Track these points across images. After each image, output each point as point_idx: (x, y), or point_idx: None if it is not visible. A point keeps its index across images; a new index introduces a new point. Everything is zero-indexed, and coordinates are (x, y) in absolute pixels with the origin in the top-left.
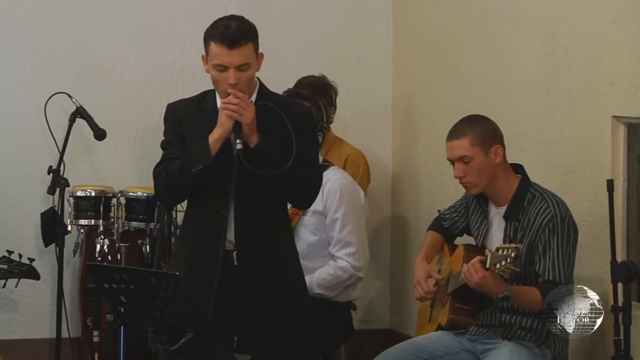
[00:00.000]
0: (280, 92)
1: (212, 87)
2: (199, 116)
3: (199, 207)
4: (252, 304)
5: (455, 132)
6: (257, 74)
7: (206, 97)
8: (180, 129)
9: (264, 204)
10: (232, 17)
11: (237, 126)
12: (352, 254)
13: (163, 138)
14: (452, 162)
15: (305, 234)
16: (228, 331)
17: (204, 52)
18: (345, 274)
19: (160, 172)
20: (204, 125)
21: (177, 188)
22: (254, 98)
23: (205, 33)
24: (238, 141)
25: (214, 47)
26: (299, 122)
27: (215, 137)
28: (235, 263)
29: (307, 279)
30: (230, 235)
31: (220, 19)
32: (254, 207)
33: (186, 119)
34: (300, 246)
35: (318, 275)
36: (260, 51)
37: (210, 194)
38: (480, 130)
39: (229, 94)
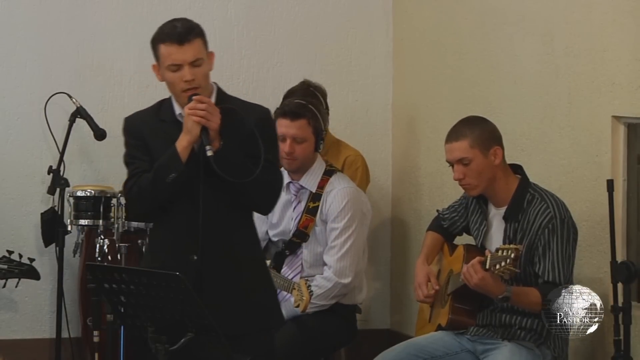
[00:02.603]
0: (280, 93)
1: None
2: (160, 126)
3: (166, 217)
4: (216, 310)
5: (454, 134)
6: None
7: (162, 107)
8: (143, 141)
9: (227, 209)
10: (176, 19)
11: (204, 131)
12: (338, 260)
13: (125, 152)
14: (452, 164)
15: (314, 244)
16: None
17: (154, 62)
18: (329, 283)
19: (131, 187)
20: (166, 135)
21: (152, 200)
22: (213, 101)
23: (151, 40)
24: (208, 147)
25: (163, 48)
26: (258, 125)
27: (183, 144)
28: (200, 270)
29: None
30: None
31: (163, 24)
32: (218, 212)
33: (147, 130)
34: (309, 255)
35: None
36: (210, 50)
37: (177, 203)
38: (479, 132)
39: (189, 97)
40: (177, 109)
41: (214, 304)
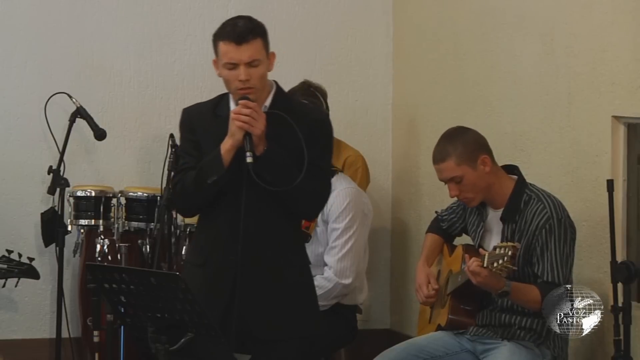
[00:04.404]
0: None
1: (224, 91)
2: (214, 121)
3: (211, 215)
4: (252, 314)
5: (438, 155)
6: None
7: (221, 101)
8: (195, 136)
9: (273, 214)
10: (240, 17)
11: (247, 137)
12: (339, 260)
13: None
14: (444, 182)
15: (315, 244)
16: (235, 338)
17: (214, 57)
18: (329, 284)
19: (177, 182)
20: (218, 131)
21: (193, 199)
22: (269, 102)
23: (214, 35)
24: (248, 154)
25: (222, 46)
26: (313, 130)
27: (226, 147)
28: (238, 271)
29: None
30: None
31: (227, 20)
32: (263, 216)
33: (200, 125)
34: (310, 255)
35: None
36: (271, 50)
37: (222, 203)
38: (462, 147)
39: (237, 99)
40: (233, 106)
41: (250, 307)
